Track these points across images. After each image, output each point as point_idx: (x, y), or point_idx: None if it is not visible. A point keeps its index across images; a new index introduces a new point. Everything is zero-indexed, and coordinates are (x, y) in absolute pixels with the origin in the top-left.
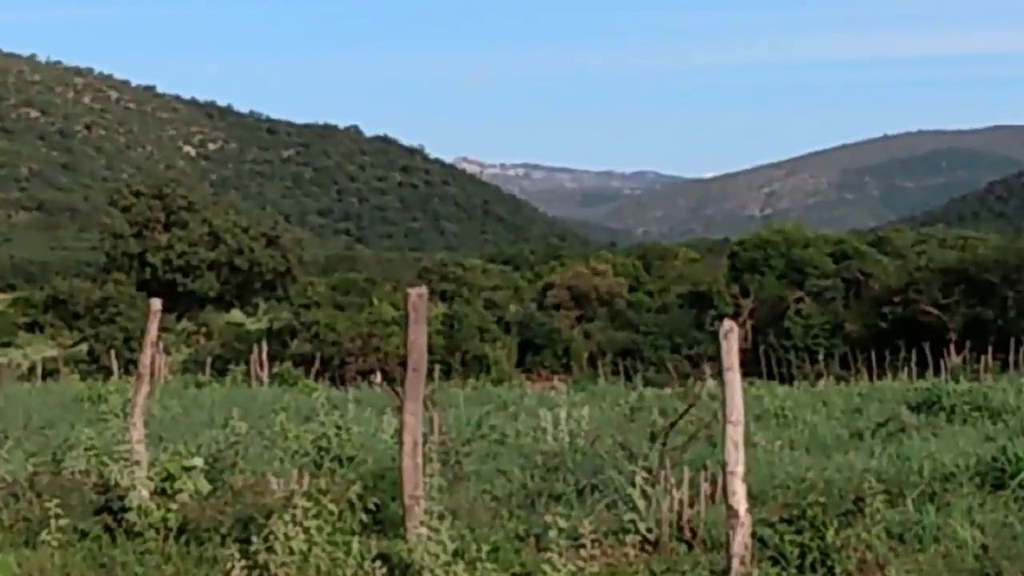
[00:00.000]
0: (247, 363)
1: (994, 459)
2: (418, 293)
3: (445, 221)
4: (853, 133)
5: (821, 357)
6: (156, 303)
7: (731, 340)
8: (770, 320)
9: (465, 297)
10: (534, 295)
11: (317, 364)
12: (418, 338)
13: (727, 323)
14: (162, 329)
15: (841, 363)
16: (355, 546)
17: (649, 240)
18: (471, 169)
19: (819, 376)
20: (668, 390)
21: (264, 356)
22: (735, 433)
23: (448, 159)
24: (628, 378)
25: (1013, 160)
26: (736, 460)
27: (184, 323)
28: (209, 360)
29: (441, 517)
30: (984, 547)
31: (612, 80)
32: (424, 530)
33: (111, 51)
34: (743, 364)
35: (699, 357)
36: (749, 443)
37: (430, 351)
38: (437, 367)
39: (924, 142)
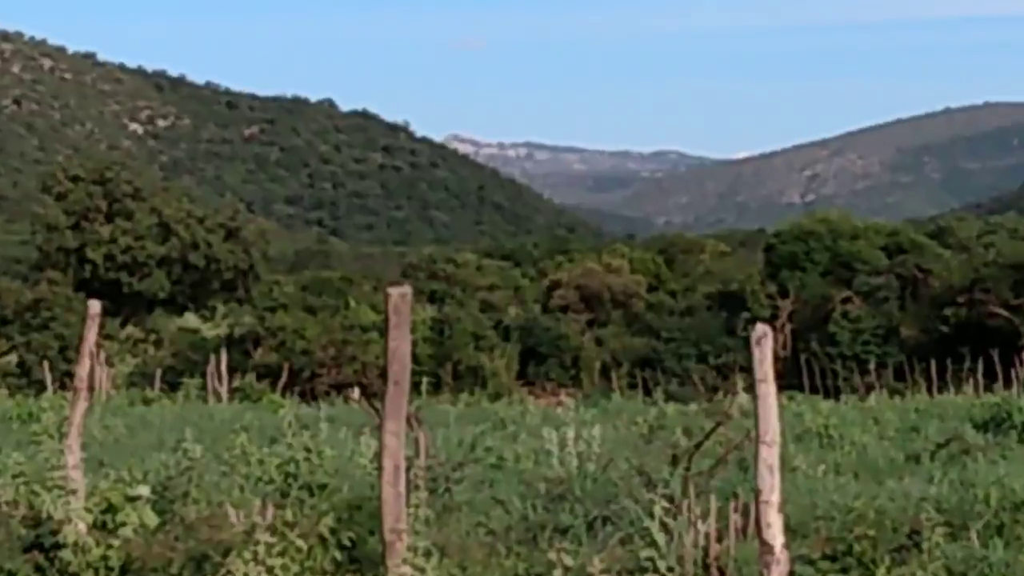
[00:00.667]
0: (203, 376)
1: None
2: (400, 293)
3: (434, 210)
4: (910, 106)
5: (872, 367)
6: (95, 305)
7: (764, 347)
8: (813, 324)
9: (457, 298)
10: (537, 296)
11: (285, 376)
12: (400, 346)
13: (760, 327)
14: (104, 336)
15: (896, 374)
16: None
17: (672, 231)
18: (464, 149)
19: (870, 389)
20: (693, 406)
21: (223, 367)
22: (770, 455)
23: (438, 137)
24: (647, 392)
25: None
26: (771, 487)
27: (130, 329)
28: (159, 372)
29: (427, 554)
30: None
31: (628, 46)
32: (407, 569)
33: (43, 12)
34: (782, 376)
35: (730, 367)
36: (788, 467)
37: (416, 361)
38: (425, 380)
39: (992, 116)
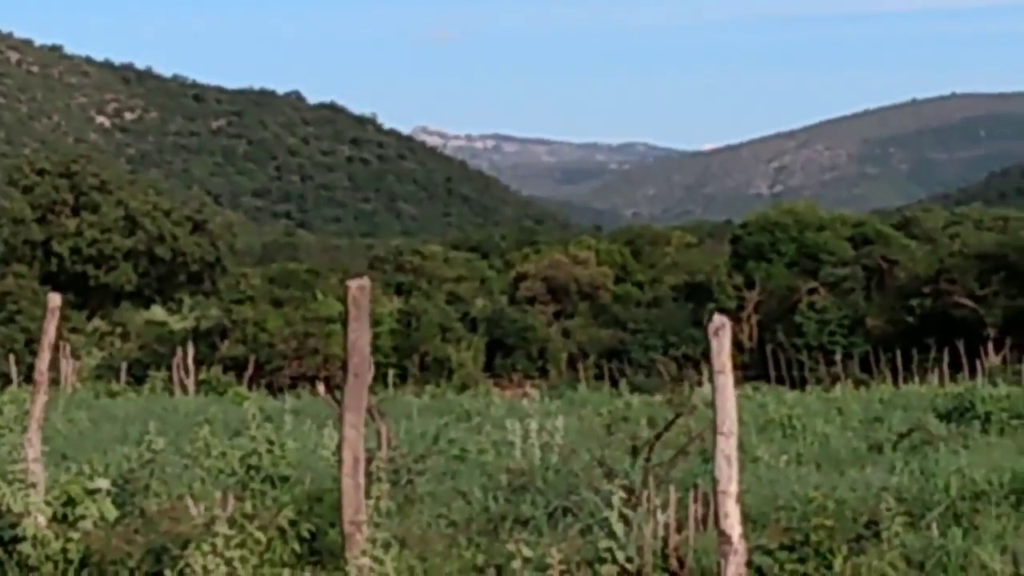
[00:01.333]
0: (169, 368)
1: None
2: (359, 286)
3: (402, 202)
4: (877, 98)
5: (838, 358)
6: (54, 299)
7: (722, 338)
8: (779, 315)
9: (424, 290)
10: (505, 287)
11: (251, 369)
12: (360, 338)
13: (718, 319)
14: (71, 329)
15: (861, 365)
16: None
17: (639, 223)
18: (432, 141)
19: (835, 380)
20: (659, 397)
21: (190, 360)
22: (727, 446)
23: (405, 130)
24: (613, 383)
25: None
26: (729, 477)
27: (96, 322)
28: (125, 365)
29: (387, 546)
30: None
31: (597, 37)
32: (367, 560)
33: (9, 5)
34: (748, 367)
35: (695, 358)
36: (750, 457)
37: (382, 353)
38: (391, 371)
39: (959, 107)
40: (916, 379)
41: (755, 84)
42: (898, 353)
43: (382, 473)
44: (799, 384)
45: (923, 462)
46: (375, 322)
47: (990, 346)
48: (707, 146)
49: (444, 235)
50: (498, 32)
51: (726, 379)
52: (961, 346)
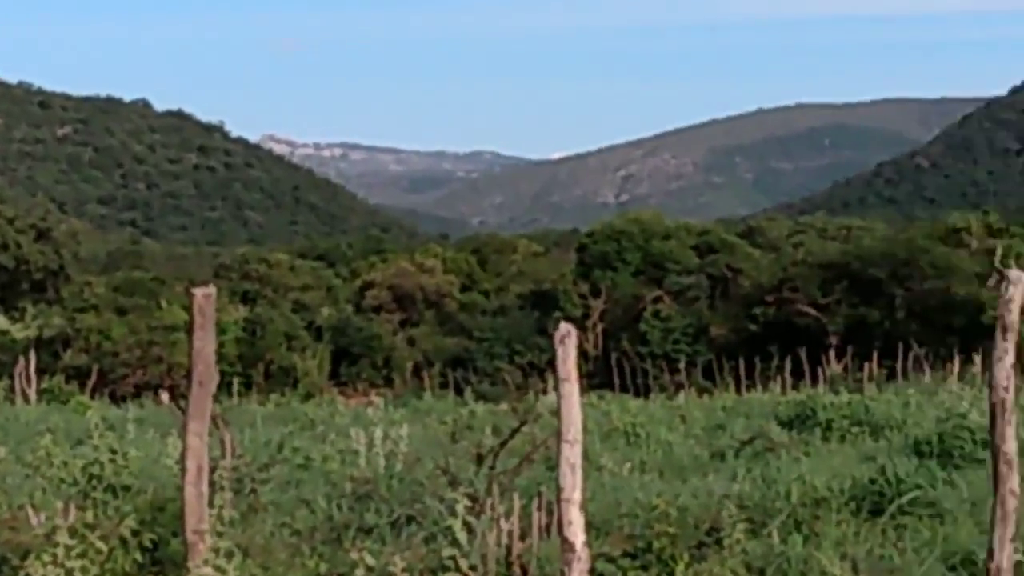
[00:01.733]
0: (11, 377)
1: (872, 481)
2: (204, 294)
3: (248, 210)
4: (723, 107)
5: (682, 366)
6: None
7: (568, 346)
8: (624, 324)
9: (270, 299)
10: (351, 296)
11: (94, 378)
12: (205, 347)
13: (563, 327)
14: None
15: (705, 372)
16: None
17: (486, 231)
18: (279, 149)
19: (679, 388)
20: (504, 405)
21: (31, 369)
22: (572, 454)
23: (253, 138)
24: (459, 392)
25: (905, 138)
26: (573, 485)
27: None
28: None
29: (230, 555)
30: None
31: (445, 46)
32: (209, 570)
33: None
34: (593, 375)
35: (541, 367)
36: (594, 465)
37: (228, 361)
38: (236, 380)
39: (804, 117)
40: (759, 387)
41: (602, 93)
42: (741, 361)
43: (225, 482)
44: (643, 392)
45: (765, 469)
46: (220, 330)
47: (832, 354)
48: (554, 155)
49: (291, 243)
50: (346, 40)
51: (571, 387)
52: (803, 354)
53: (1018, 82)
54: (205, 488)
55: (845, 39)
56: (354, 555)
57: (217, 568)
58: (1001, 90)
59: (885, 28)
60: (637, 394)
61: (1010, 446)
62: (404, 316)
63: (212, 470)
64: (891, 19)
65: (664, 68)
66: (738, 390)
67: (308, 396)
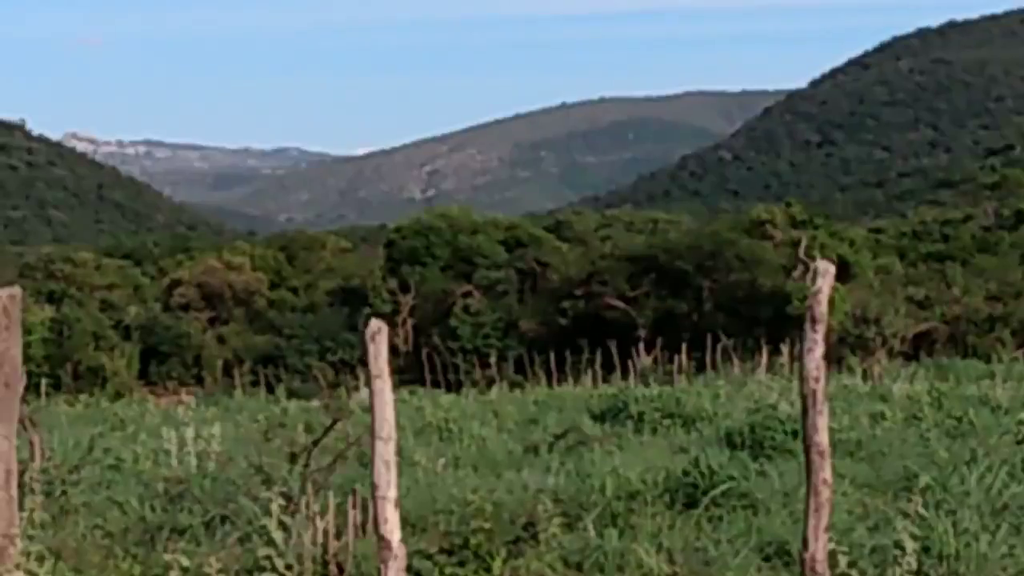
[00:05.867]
0: None
1: (685, 473)
2: (9, 295)
3: (52, 209)
4: (527, 102)
5: (493, 360)
6: None
7: (379, 343)
8: (434, 319)
9: (76, 298)
10: (158, 294)
11: None
12: (10, 348)
13: (374, 323)
14: None
15: (516, 367)
16: None
17: (293, 228)
18: (82, 147)
19: (490, 382)
20: (316, 402)
21: None
22: (386, 451)
23: (55, 136)
24: (270, 389)
25: (708, 131)
26: (388, 482)
27: None
28: None
29: (41, 558)
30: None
31: (249, 42)
32: (20, 574)
33: None
34: (404, 371)
35: (352, 364)
36: (407, 462)
37: (36, 362)
38: (44, 381)
39: (608, 111)
40: (570, 380)
41: (406, 88)
42: (552, 355)
43: (36, 485)
44: (455, 387)
45: (579, 463)
46: (26, 331)
47: (641, 347)
48: (360, 150)
49: (96, 242)
50: (148, 37)
51: (384, 384)
52: (613, 347)
53: (818, 75)
54: (15, 491)
55: (647, 33)
56: (167, 557)
57: (28, 572)
58: (801, 83)
59: (685, 22)
60: (449, 389)
61: (822, 436)
62: (213, 314)
63: (21, 473)
64: (692, 14)
65: (468, 63)
66: (550, 384)
67: (118, 396)
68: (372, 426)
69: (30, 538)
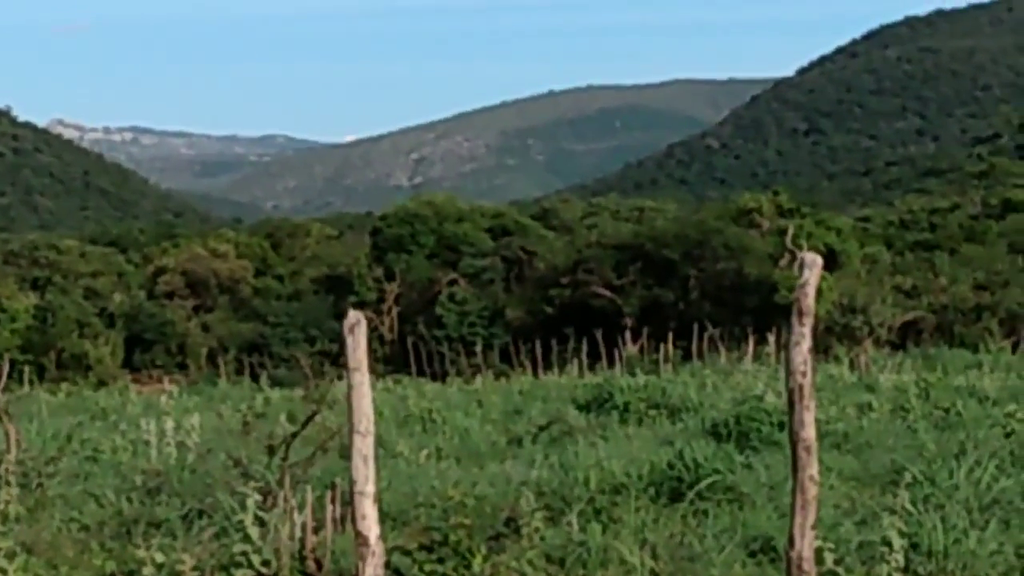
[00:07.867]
0: None
1: (670, 466)
2: None
3: (38, 195)
4: (514, 89)
5: (479, 349)
6: None
7: (358, 335)
8: (420, 307)
9: (60, 285)
10: (143, 282)
11: None
12: None
13: (352, 315)
14: None
15: (502, 356)
16: None
17: (279, 215)
18: (69, 134)
19: (476, 371)
20: (300, 391)
21: None
22: (364, 445)
23: (41, 122)
24: (254, 378)
25: (695, 119)
26: (366, 477)
27: None
28: None
29: (12, 555)
30: (655, 572)
31: (235, 28)
32: None
33: None
34: (389, 360)
35: (337, 352)
36: (390, 453)
37: (19, 350)
38: (27, 368)
39: (595, 99)
40: (556, 369)
41: (394, 76)
42: (538, 344)
43: (11, 476)
44: (440, 376)
45: (563, 455)
46: (10, 318)
47: (627, 335)
48: (347, 138)
49: (81, 229)
50: (135, 23)
51: (362, 377)
52: (600, 336)
53: (805, 63)
54: None
55: (635, 21)
56: (141, 553)
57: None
58: (788, 71)
59: (673, 10)
60: (434, 378)
61: (809, 432)
62: (198, 302)
63: None
64: (679, 1)
65: (455, 50)
66: (535, 373)
67: (101, 384)
68: (350, 420)
69: (2, 533)
